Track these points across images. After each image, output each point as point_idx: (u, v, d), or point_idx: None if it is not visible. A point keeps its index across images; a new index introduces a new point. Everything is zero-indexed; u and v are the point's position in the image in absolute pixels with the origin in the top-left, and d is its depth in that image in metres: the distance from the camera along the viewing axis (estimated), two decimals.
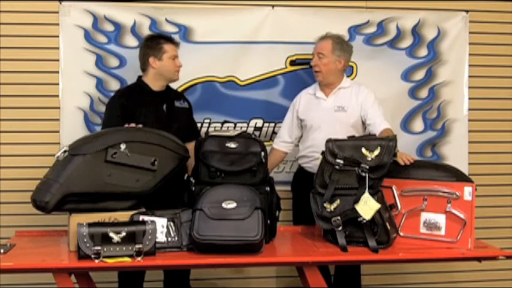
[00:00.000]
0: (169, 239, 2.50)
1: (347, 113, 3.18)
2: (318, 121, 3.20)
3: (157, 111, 3.07)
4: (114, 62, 3.55)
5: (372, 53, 3.73)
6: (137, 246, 2.36)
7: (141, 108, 3.01)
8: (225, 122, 3.66)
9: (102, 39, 3.54)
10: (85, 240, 2.32)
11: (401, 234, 2.68)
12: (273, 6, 3.65)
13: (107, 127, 2.86)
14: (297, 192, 3.34)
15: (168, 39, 3.14)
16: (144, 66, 3.12)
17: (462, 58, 3.83)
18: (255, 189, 2.57)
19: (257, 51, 3.64)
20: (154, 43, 3.11)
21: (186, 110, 3.23)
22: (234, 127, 3.65)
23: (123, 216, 2.51)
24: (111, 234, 2.35)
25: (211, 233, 2.41)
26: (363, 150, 2.62)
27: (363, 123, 3.20)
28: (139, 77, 3.17)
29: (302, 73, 3.68)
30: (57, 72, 3.51)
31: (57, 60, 3.51)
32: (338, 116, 3.18)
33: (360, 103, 3.18)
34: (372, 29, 3.74)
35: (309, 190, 2.71)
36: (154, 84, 3.11)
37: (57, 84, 3.51)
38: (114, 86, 3.52)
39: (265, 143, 2.81)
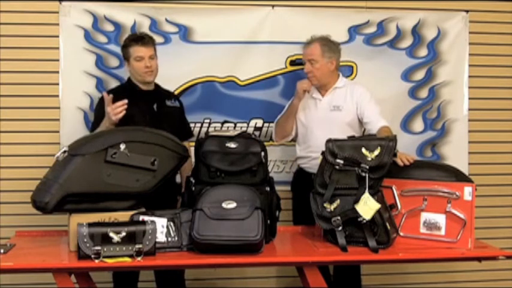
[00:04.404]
0: (169, 239, 2.50)
1: (342, 112, 3.18)
2: (315, 121, 3.20)
3: (148, 111, 3.05)
4: (114, 62, 3.55)
5: (372, 53, 3.73)
6: (137, 246, 2.36)
7: (132, 107, 2.98)
8: (225, 122, 3.66)
9: (102, 39, 3.54)
10: (85, 240, 2.32)
11: (401, 234, 2.68)
12: (273, 6, 3.65)
13: (98, 125, 2.87)
14: (296, 192, 3.35)
15: (136, 40, 3.06)
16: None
17: (462, 58, 3.83)
18: (255, 189, 2.56)
19: (257, 51, 3.64)
20: (124, 47, 3.10)
21: (177, 109, 3.22)
22: (234, 127, 3.65)
23: (123, 216, 2.51)
24: (111, 234, 2.35)
25: (211, 233, 2.41)
26: (363, 150, 2.62)
27: (360, 121, 3.21)
28: (129, 78, 3.16)
29: (302, 73, 3.64)
30: (57, 72, 3.51)
31: (57, 60, 3.51)
32: (334, 115, 3.18)
33: (355, 102, 3.18)
34: (372, 29, 3.74)
35: (308, 190, 2.71)
36: (139, 84, 3.11)
37: (57, 84, 3.51)
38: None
39: (265, 143, 2.81)
